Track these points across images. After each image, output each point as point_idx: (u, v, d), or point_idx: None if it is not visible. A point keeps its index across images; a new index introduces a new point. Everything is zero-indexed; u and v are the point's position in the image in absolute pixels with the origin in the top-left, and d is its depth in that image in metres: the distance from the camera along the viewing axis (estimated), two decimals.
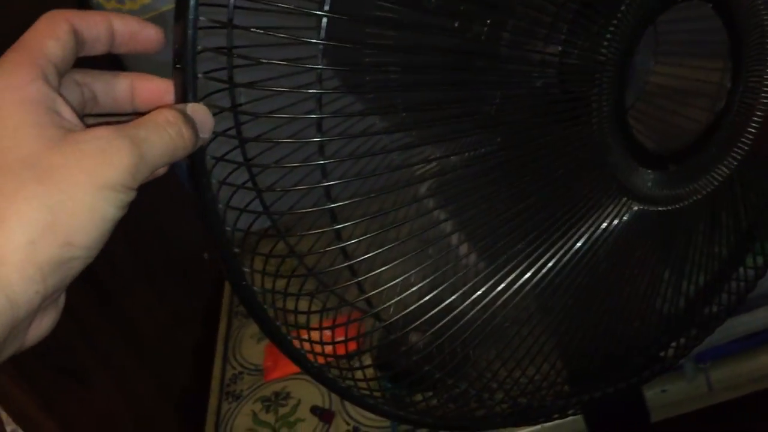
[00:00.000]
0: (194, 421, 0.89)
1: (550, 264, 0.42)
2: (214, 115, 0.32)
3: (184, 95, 0.31)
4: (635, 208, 0.41)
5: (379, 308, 0.39)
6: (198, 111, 0.31)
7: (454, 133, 0.40)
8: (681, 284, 0.47)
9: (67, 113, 0.29)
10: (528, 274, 0.42)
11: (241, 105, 0.33)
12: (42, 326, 0.30)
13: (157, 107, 0.31)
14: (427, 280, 0.40)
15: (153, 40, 0.33)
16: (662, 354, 0.51)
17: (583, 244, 0.40)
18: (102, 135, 0.28)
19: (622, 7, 0.36)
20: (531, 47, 0.36)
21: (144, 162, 0.29)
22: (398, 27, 0.35)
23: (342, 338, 0.42)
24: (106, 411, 0.76)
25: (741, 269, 0.53)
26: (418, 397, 0.50)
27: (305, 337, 0.39)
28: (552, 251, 0.41)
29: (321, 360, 0.40)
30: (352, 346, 0.42)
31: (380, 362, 0.46)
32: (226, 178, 0.34)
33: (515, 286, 0.42)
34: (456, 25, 0.35)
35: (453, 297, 0.42)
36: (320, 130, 0.33)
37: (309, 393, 0.87)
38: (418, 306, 0.42)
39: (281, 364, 0.91)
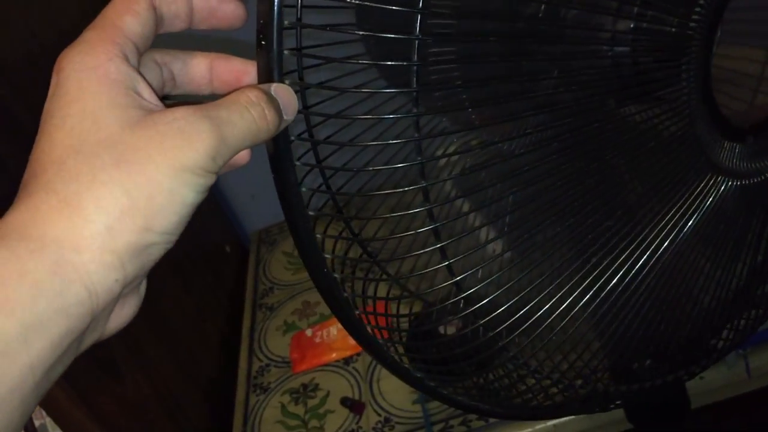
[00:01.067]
0: (222, 411, 0.89)
1: (631, 273, 0.39)
2: (297, 92, 0.31)
3: (268, 73, 0.30)
4: (724, 183, 0.39)
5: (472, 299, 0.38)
6: (282, 91, 0.30)
7: (510, 115, 0.38)
8: (756, 265, 0.46)
9: (147, 93, 0.28)
10: (598, 299, 0.40)
11: (323, 83, 0.32)
12: (123, 314, 0.29)
13: (237, 88, 0.30)
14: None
15: (233, 16, 0.31)
16: (715, 343, 0.50)
17: (670, 231, 0.38)
18: (181, 116, 0.26)
19: None
20: (602, 14, 0.34)
21: (225, 144, 0.27)
22: None
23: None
24: (136, 401, 0.75)
25: None
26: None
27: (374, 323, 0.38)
28: (617, 266, 0.39)
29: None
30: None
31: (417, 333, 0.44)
32: (300, 157, 0.33)
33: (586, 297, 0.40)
34: None
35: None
36: (417, 104, 0.32)
37: (338, 384, 0.86)
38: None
39: (309, 355, 0.90)
